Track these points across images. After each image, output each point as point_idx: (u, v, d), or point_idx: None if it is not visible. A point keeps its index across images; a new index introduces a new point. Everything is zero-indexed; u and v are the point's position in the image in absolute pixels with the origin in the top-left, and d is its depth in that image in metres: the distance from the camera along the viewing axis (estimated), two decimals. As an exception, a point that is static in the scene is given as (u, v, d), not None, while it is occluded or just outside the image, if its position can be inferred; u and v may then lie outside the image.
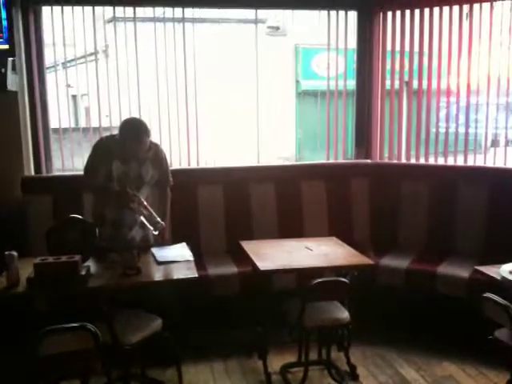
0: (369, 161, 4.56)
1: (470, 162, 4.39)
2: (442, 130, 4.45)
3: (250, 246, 3.38)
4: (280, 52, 8.10)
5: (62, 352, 2.44)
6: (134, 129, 3.12)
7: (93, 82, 4.34)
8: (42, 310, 2.77)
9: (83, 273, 2.73)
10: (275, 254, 3.25)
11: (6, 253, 2.69)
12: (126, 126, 3.14)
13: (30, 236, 3.65)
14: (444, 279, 3.57)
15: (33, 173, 4.01)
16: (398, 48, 4.47)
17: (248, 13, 4.89)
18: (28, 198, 3.78)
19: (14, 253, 2.71)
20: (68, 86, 4.68)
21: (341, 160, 4.68)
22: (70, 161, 4.33)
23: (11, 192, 3.78)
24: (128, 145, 3.12)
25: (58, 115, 4.31)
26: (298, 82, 9.48)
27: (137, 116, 4.08)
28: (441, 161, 4.44)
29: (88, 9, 4.12)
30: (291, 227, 4.08)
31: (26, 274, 2.70)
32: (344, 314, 3.05)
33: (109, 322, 2.69)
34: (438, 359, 3.46)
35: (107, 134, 3.89)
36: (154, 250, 3.19)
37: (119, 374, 2.99)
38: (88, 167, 3.25)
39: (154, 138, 3.58)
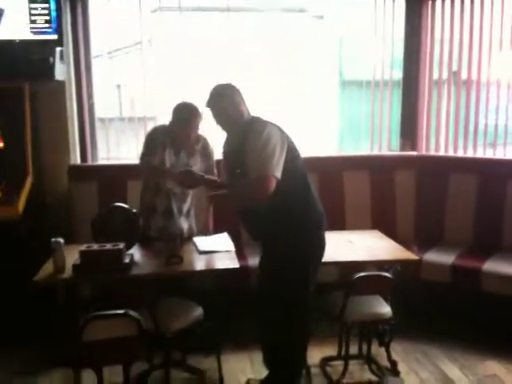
0: (415, 152, 4.45)
1: (521, 155, 4.25)
2: (492, 122, 4.30)
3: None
4: (324, 41, 7.98)
5: (106, 338, 2.49)
6: (186, 109, 3.17)
7: (138, 72, 4.38)
8: (87, 296, 2.84)
9: (127, 261, 2.78)
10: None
11: (53, 239, 2.77)
12: (178, 109, 3.19)
13: (75, 223, 3.74)
14: (490, 276, 3.47)
15: (79, 161, 4.09)
16: (447, 37, 4.34)
17: (292, 1, 4.85)
18: (74, 186, 3.86)
19: (61, 240, 2.78)
20: (112, 76, 4.75)
21: (385, 151, 4.59)
22: (115, 150, 4.39)
23: (58, 180, 3.86)
24: (180, 126, 3.16)
25: (104, 104, 4.37)
26: (341, 71, 9.32)
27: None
28: (489, 153, 4.30)
29: (134, -1, 4.15)
30: (333, 219, 3.97)
31: (71, 260, 2.77)
32: (386, 309, 3.00)
33: (151, 309, 2.73)
34: (482, 357, 3.37)
35: (151, 123, 3.94)
36: (196, 240, 3.22)
37: (161, 360, 3.04)
38: (145, 151, 3.22)
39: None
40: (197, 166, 3.29)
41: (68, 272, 2.73)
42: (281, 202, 2.56)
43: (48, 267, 2.79)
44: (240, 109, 2.71)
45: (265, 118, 2.70)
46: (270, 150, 2.50)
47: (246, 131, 2.62)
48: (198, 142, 3.32)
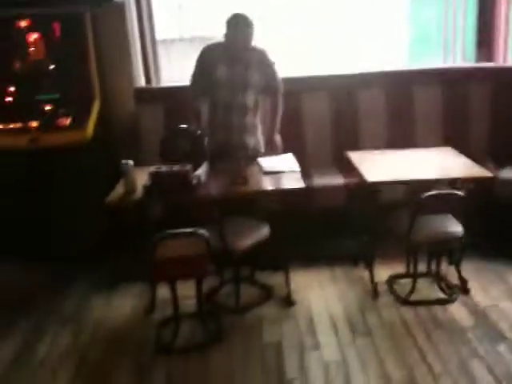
0: (492, 64, 4.15)
1: None
2: None
3: (357, 157, 3.30)
4: None
5: (177, 255, 2.59)
6: (238, 19, 3.20)
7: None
8: (158, 215, 2.93)
9: (194, 181, 2.82)
10: (384, 165, 3.14)
11: (123, 161, 2.83)
12: (231, 19, 3.23)
13: (142, 145, 3.80)
14: None
15: (143, 84, 4.10)
16: None
17: None
18: (140, 109, 3.89)
19: (131, 161, 2.84)
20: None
21: (459, 63, 4.30)
22: (177, 71, 4.35)
23: (124, 103, 3.88)
24: (233, 35, 3.19)
25: (164, 26, 4.29)
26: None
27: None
28: None
29: None
30: (401, 137, 3.88)
31: (141, 181, 2.84)
32: (457, 228, 2.92)
33: (219, 228, 2.80)
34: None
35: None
36: (261, 160, 3.21)
37: (230, 275, 3.15)
38: (194, 71, 3.41)
39: (264, 43, 3.48)
40: (254, 79, 3.30)
41: (139, 193, 2.81)
42: None
43: (119, 189, 2.88)
44: None
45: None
46: None
47: None
48: (253, 53, 3.29)
